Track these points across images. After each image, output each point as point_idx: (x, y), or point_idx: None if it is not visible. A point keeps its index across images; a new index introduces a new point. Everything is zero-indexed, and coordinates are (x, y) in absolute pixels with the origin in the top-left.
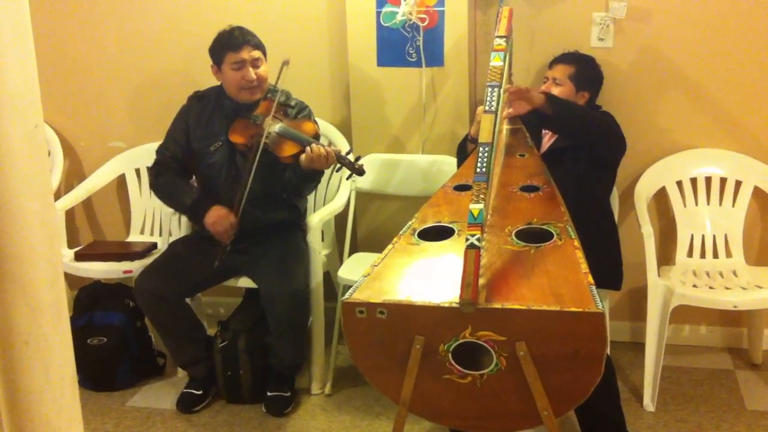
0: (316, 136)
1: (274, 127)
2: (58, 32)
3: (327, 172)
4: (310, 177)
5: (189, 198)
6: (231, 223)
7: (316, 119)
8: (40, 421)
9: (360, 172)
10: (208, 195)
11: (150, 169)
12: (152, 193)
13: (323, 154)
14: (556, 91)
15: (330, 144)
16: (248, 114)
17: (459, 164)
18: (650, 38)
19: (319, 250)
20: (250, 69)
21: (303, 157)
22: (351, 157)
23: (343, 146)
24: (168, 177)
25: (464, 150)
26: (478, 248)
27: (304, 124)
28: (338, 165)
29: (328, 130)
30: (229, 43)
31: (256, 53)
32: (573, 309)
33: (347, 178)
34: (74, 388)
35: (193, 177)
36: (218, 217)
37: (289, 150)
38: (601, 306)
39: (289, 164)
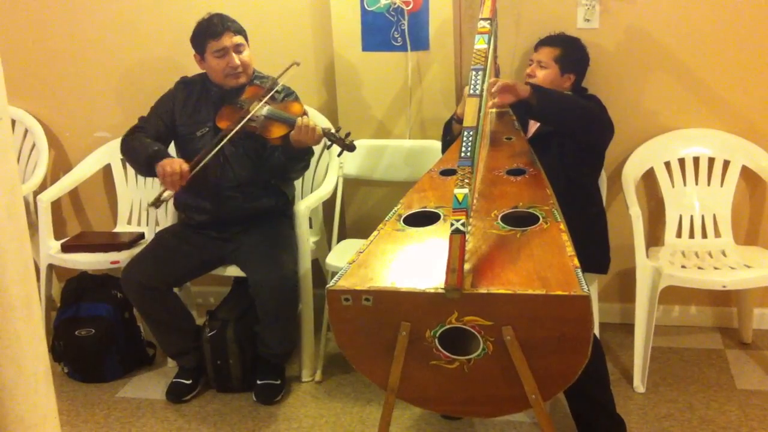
0: (304, 115)
1: (261, 110)
2: (41, 22)
3: (315, 157)
4: (300, 156)
5: (153, 150)
6: (182, 170)
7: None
8: (14, 417)
9: (351, 147)
10: (193, 178)
11: (127, 131)
12: (121, 148)
13: (311, 126)
14: (541, 73)
15: None
16: (235, 100)
17: (444, 145)
18: (636, 18)
19: (307, 238)
20: (234, 55)
21: (292, 133)
22: (341, 134)
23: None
24: (142, 137)
25: (450, 130)
26: (463, 233)
27: (292, 105)
28: (329, 142)
29: (313, 116)
30: (209, 31)
31: (238, 39)
32: (558, 293)
33: (338, 155)
34: (48, 383)
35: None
36: (171, 162)
37: (277, 131)
38: (586, 289)
39: (279, 146)
